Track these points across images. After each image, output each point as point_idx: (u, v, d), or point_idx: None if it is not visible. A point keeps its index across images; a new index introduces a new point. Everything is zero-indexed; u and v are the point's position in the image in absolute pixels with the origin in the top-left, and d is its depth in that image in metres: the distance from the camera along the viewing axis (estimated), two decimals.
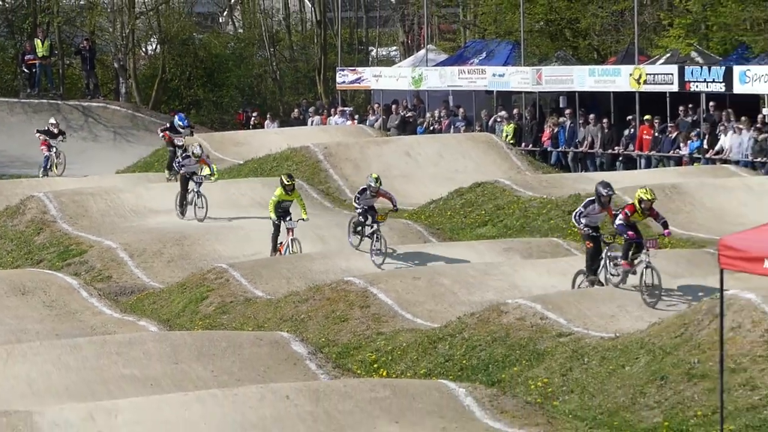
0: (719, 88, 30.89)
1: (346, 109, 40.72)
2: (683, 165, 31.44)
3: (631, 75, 32.93)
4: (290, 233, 21.26)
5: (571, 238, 23.82)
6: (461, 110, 36.64)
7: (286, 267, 21.88)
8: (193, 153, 24.21)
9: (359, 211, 20.74)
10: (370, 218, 20.59)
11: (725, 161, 30.79)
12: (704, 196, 26.70)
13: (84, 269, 23.92)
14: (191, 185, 23.75)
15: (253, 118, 41.31)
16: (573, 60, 37.44)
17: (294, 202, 21.82)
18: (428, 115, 37.82)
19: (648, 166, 32.58)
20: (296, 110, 41.50)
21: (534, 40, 39.89)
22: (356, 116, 40.18)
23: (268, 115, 41.19)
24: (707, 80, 31.18)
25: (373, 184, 20.74)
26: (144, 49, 47.79)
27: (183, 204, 24.05)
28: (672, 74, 31.82)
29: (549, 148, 34.90)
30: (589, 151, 33.60)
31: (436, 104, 37.92)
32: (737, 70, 31.05)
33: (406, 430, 13.25)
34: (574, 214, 19.57)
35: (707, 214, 25.36)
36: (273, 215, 21.38)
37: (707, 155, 31.07)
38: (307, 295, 19.73)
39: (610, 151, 33.28)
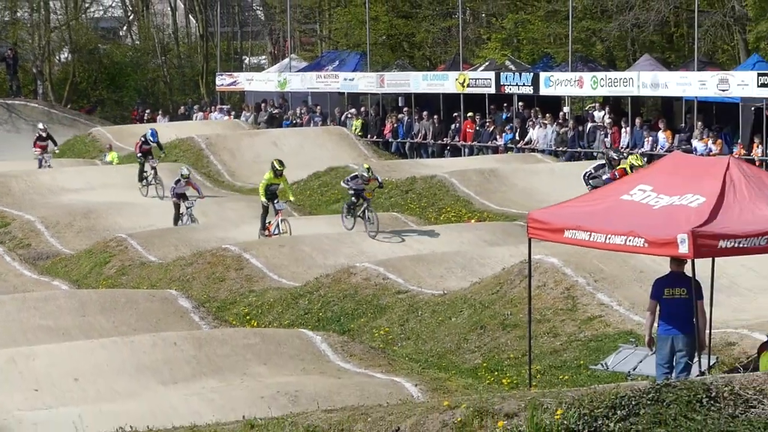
0: (528, 90, 32.53)
1: (224, 107, 43.11)
2: (499, 153, 31.91)
3: (456, 79, 34.13)
4: (279, 214, 20.50)
5: (408, 212, 24.08)
6: (318, 108, 38.57)
7: (175, 236, 22.14)
8: (181, 174, 23.30)
9: (351, 192, 20.13)
10: (361, 198, 20.11)
11: (533, 150, 31.69)
12: (516, 178, 27.27)
13: (8, 238, 24.14)
14: (182, 208, 23.11)
15: (146, 114, 43.20)
16: (410, 67, 39.34)
17: (281, 185, 21.06)
18: (291, 112, 39.47)
19: (471, 154, 34.17)
20: (183, 108, 44.49)
21: (378, 51, 41.37)
22: (232, 113, 42.47)
23: (159, 112, 43.47)
24: (519, 84, 32.75)
25: (365, 174, 20.17)
26: (58, 57, 50.58)
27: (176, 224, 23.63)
28: (490, 79, 33.54)
29: (390, 140, 36.08)
30: (422, 141, 34.52)
31: (298, 103, 39.55)
32: (543, 75, 33.10)
33: (272, 370, 13.28)
34: (583, 174, 19.53)
35: (519, 194, 25.70)
36: (263, 197, 20.54)
37: (518, 145, 31.63)
38: (191, 260, 19.96)
39: (440, 142, 34.58)
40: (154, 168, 26.31)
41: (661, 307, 10.31)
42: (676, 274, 10.29)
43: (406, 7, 40.40)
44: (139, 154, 27.00)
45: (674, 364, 10.24)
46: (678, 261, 10.23)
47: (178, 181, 22.87)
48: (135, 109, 44.61)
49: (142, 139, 27.34)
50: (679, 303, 10.19)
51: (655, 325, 10.50)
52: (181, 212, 22.77)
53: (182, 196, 22.74)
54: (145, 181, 26.49)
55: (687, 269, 10.18)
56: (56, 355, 12.73)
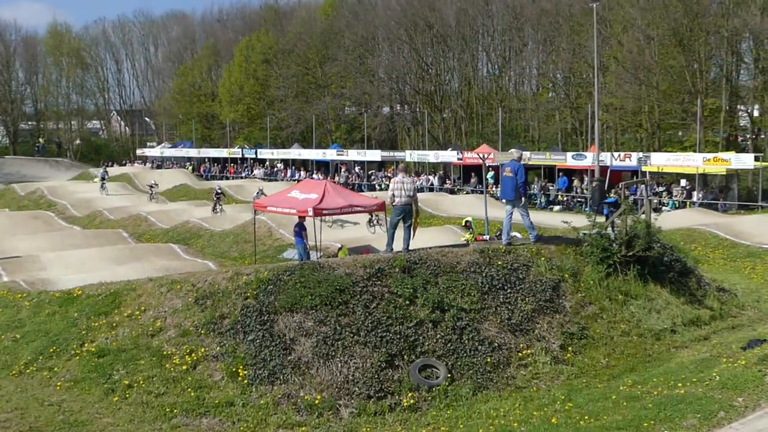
0: (253, 155, 65.27)
1: (139, 161, 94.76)
2: (243, 179, 58.15)
3: (227, 151, 73.44)
4: None
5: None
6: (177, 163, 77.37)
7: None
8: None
9: None
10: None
11: (256, 177, 58.92)
12: (250, 188, 55.85)
13: (56, 211, 45.62)
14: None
15: (110, 163, 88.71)
16: (210, 146, 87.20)
17: None
18: (165, 164, 78.72)
19: (233, 179, 66.48)
20: (124, 161, 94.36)
21: (198, 142, 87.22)
22: (143, 163, 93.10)
23: (115, 163, 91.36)
24: (250, 153, 76.35)
25: None
26: (75, 142, 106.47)
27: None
28: (239, 151, 68.23)
29: (203, 173, 69.59)
30: (215, 174, 65.56)
31: (168, 159, 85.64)
32: (259, 150, 77.23)
33: (158, 258, 28.83)
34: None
35: (250, 194, 49.63)
36: None
37: (251, 176, 59.49)
38: (127, 218, 37.25)
39: (221, 174, 61.98)
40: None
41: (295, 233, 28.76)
42: (300, 221, 28.46)
43: (208, 125, 77.11)
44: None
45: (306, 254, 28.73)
46: (300, 217, 28.33)
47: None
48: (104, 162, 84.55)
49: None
50: (297, 231, 28.57)
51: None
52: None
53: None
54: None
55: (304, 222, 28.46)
56: (76, 253, 30.11)
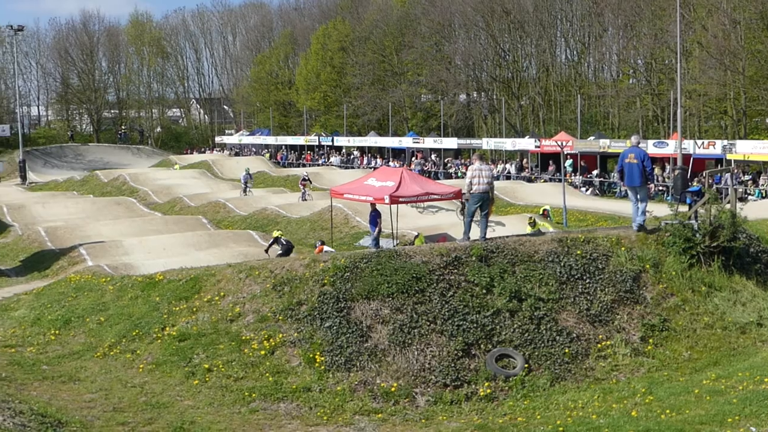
0: (330, 143, 75.26)
1: (218, 149, 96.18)
2: (320, 166, 60.98)
3: (304, 139, 78.04)
4: None
5: (288, 189, 48.59)
6: (254, 149, 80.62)
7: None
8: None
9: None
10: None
11: (332, 165, 64.96)
12: (326, 175, 59.29)
13: (138, 197, 48.12)
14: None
15: (189, 152, 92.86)
16: (286, 134, 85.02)
17: None
18: (243, 152, 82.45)
19: (310, 166, 68.67)
20: (203, 149, 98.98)
21: (275, 129, 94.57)
22: (221, 151, 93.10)
23: (195, 150, 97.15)
24: (326, 141, 76.60)
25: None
26: (156, 130, 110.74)
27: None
28: (316, 139, 79.37)
29: (280, 161, 72.24)
30: (291, 162, 68.62)
31: (246, 147, 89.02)
32: (335, 138, 76.71)
33: (237, 244, 29.29)
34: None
35: (327, 181, 52.91)
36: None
37: (327, 163, 63.83)
38: (206, 205, 38.97)
39: (298, 162, 66.24)
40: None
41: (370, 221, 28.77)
42: (372, 210, 28.59)
43: (285, 113, 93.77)
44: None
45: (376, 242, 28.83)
46: (372, 204, 28.21)
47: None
48: (186, 149, 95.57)
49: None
50: (372, 216, 28.64)
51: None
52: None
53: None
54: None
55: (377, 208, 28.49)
56: (157, 239, 30.77)
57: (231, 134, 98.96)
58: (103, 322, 18.33)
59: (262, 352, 15.18)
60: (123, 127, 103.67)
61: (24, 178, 70.55)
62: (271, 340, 15.45)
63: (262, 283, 17.18)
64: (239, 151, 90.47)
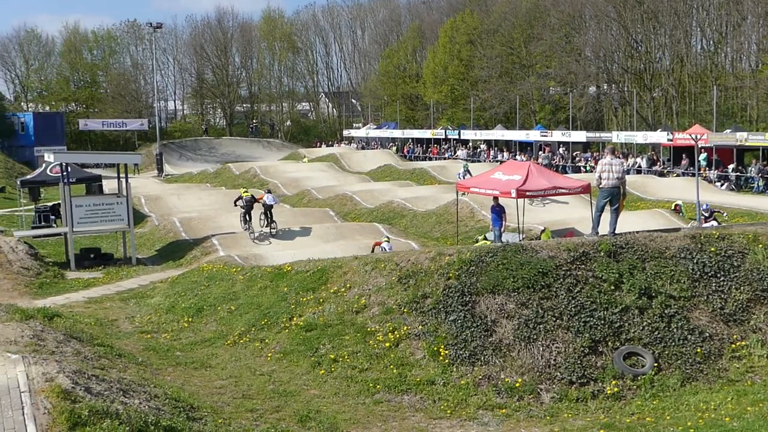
0: (456, 136, 75.40)
1: (345, 142, 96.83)
2: (447, 160, 65.16)
3: (430, 132, 73.34)
4: None
5: (415, 182, 50.95)
6: (379, 142, 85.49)
7: None
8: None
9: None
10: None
11: (458, 159, 64.85)
12: (453, 169, 56.18)
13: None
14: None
15: (317, 145, 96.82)
16: (413, 127, 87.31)
17: None
18: (370, 145, 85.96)
19: (435, 160, 69.33)
20: (330, 142, 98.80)
21: (402, 123, 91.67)
22: (349, 144, 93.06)
23: (323, 143, 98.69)
24: (453, 134, 73.89)
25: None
26: (285, 124, 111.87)
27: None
28: (443, 132, 77.96)
29: (406, 154, 77.28)
30: (418, 155, 71.91)
31: (373, 141, 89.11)
32: (462, 131, 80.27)
33: (363, 237, 29.90)
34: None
35: (453, 175, 51.75)
36: None
37: (453, 157, 64.76)
38: (333, 198, 40.96)
39: (424, 155, 69.99)
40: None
41: (492, 216, 28.58)
42: (496, 203, 28.46)
43: (412, 106, 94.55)
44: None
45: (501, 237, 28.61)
46: (496, 199, 28.01)
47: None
48: (315, 142, 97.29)
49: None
50: (496, 213, 28.32)
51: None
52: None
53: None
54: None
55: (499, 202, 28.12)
56: (286, 231, 31.53)
57: (358, 128, 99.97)
58: (234, 311, 18.84)
59: (387, 344, 15.29)
60: (254, 121, 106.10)
61: (160, 170, 73.09)
62: (395, 332, 15.55)
63: (387, 275, 17.31)
64: (366, 144, 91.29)
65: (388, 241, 28.39)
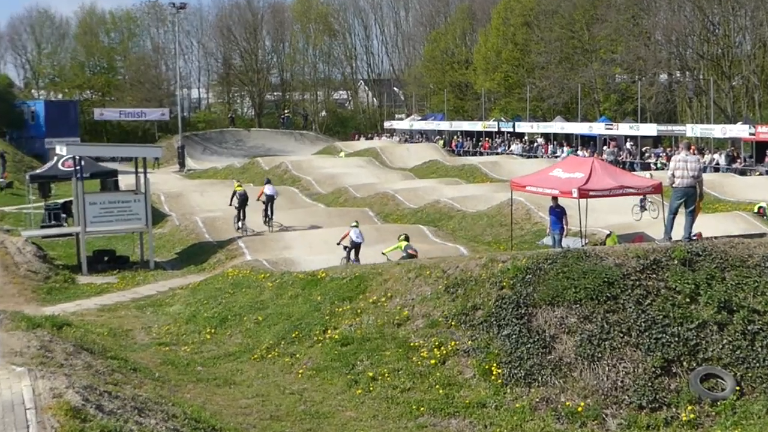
0: (510, 129, 76.82)
1: (387, 134, 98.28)
2: (499, 155, 68.80)
3: (481, 124, 78.56)
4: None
5: (465, 180, 51.17)
6: (424, 135, 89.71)
7: None
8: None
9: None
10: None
11: (513, 154, 66.23)
12: (506, 165, 56.17)
13: (300, 186, 50.18)
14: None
15: (356, 137, 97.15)
16: (462, 119, 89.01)
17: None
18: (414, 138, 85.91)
19: (487, 155, 71.23)
20: (370, 134, 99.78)
21: (450, 113, 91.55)
22: (390, 137, 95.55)
23: (362, 136, 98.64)
24: (506, 127, 78.35)
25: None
26: (320, 114, 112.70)
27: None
28: (495, 124, 79.51)
29: (453, 148, 79.13)
30: (467, 150, 76.51)
31: (417, 133, 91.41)
32: (517, 123, 78.99)
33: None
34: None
35: (507, 172, 52.01)
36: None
37: (507, 152, 68.70)
38: (373, 196, 43.47)
39: (474, 150, 73.35)
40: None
41: (550, 218, 28.12)
42: (555, 204, 27.83)
43: (461, 95, 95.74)
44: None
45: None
46: (555, 199, 27.40)
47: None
48: (352, 134, 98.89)
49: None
50: (555, 215, 27.74)
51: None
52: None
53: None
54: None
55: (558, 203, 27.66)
56: (320, 233, 31.34)
57: (401, 119, 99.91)
58: (261, 322, 18.81)
59: (432, 361, 15.14)
60: (286, 111, 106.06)
61: (182, 164, 73.57)
62: (442, 348, 15.40)
63: (433, 283, 17.17)
64: (409, 137, 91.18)
65: (357, 226, 28.59)
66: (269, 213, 34.24)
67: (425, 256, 24.30)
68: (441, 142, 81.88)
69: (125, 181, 40.44)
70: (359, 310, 17.33)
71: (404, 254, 25.66)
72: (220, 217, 36.70)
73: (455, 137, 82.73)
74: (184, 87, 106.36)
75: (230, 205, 34.80)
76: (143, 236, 30.18)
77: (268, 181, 37.30)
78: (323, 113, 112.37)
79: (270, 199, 34.28)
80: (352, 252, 28.09)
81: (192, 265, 29.30)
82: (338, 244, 28.17)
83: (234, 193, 34.56)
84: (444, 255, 24.40)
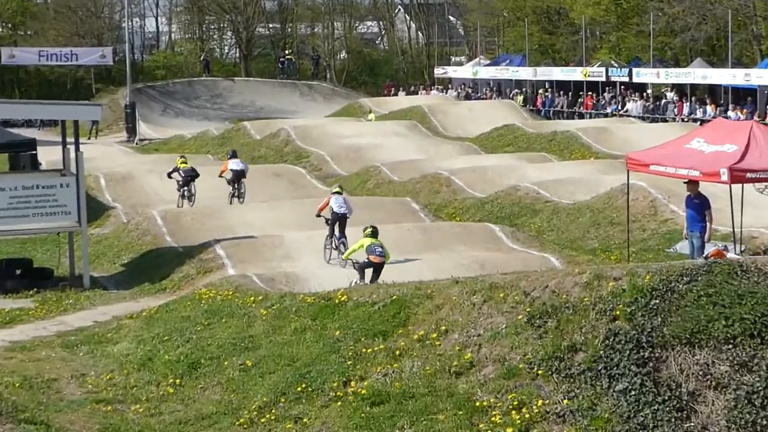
0: (625, 79, 74.81)
1: (438, 87, 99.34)
2: (607, 118, 71.36)
3: (582, 72, 78.72)
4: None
5: (551, 153, 52.29)
6: (496, 89, 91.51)
7: (410, 166, 49.62)
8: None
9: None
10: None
11: (628, 116, 70.80)
12: (619, 133, 57.64)
13: (308, 165, 53.29)
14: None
15: (392, 91, 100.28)
16: (551, 63, 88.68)
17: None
18: (480, 92, 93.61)
19: (590, 118, 73.43)
20: (413, 87, 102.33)
21: (533, 55, 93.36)
22: (444, 91, 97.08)
23: (400, 89, 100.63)
24: (619, 75, 75.87)
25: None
26: (339, 56, 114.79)
27: None
28: (602, 72, 77.35)
29: (540, 108, 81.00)
30: (560, 110, 79.03)
31: (484, 85, 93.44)
32: (634, 70, 75.03)
33: (468, 248, 29.93)
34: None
35: (620, 142, 52.51)
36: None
37: (619, 113, 72.16)
38: (419, 179, 43.15)
39: (570, 110, 78.07)
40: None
41: (687, 212, 26.91)
42: (694, 192, 26.49)
43: (551, 27, 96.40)
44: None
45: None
46: (694, 184, 26.33)
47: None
48: (386, 87, 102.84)
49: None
50: (695, 209, 26.35)
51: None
52: None
53: None
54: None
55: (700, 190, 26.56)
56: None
57: (460, 63, 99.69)
58: (250, 369, 18.71)
59: (510, 430, 15.00)
60: (287, 52, 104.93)
61: (132, 131, 72.55)
62: (523, 410, 15.25)
63: (509, 312, 17.01)
64: (473, 91, 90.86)
65: (340, 192, 29.97)
66: (238, 193, 34.95)
67: (498, 269, 23.87)
68: (520, 98, 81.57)
69: (47, 156, 40.59)
70: (398, 352, 17.20)
71: (365, 260, 25.91)
72: (189, 212, 36.60)
73: (542, 91, 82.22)
74: (135, 16, 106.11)
75: (169, 177, 38.05)
76: (74, 239, 30.08)
77: (233, 154, 38.25)
78: (343, 55, 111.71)
79: (238, 176, 34.55)
80: (336, 227, 29.78)
81: (147, 283, 29.24)
82: (318, 216, 30.44)
83: (175, 169, 36.61)
84: (526, 268, 23.78)
